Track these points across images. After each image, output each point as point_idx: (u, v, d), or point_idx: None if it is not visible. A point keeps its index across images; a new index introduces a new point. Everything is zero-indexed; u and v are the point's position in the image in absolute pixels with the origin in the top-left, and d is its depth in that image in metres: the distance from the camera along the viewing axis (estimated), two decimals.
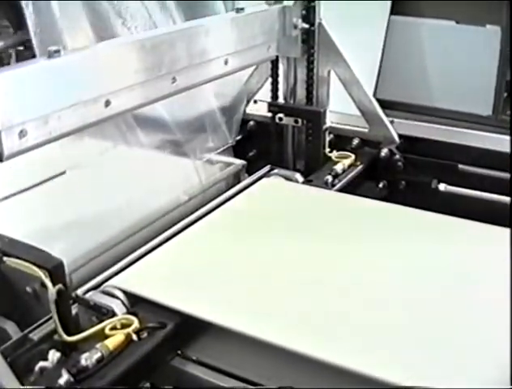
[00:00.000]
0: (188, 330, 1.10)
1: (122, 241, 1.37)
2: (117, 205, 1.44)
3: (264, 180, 1.60)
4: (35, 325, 1.11)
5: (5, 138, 1.03)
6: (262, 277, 1.20)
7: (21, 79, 1.06)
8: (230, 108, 1.78)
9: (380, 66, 3.23)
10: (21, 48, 2.60)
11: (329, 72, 1.77)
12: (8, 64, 3.49)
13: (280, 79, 1.80)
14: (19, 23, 2.18)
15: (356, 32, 2.90)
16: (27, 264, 1.06)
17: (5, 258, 1.09)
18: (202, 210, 1.44)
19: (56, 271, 1.03)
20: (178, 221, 1.41)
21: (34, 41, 1.30)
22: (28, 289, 1.12)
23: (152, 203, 1.47)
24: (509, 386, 0.93)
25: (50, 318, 1.09)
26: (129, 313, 1.12)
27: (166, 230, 1.37)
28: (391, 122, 1.74)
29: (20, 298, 1.15)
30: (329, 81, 1.78)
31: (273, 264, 1.24)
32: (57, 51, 1.09)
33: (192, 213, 1.43)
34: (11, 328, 1.14)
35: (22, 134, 1.05)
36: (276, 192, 1.54)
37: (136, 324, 1.06)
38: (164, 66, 1.30)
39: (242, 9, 1.52)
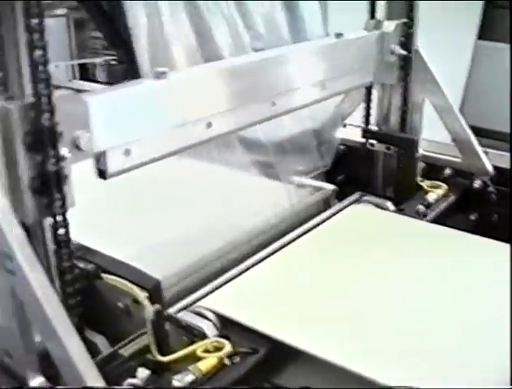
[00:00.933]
0: (279, 356, 1.09)
1: (213, 261, 1.37)
2: (208, 225, 1.44)
3: (355, 206, 1.59)
4: (125, 341, 1.11)
5: (110, 157, 1.05)
6: (353, 305, 1.18)
7: (128, 98, 1.08)
8: (322, 131, 1.77)
9: (465, 92, 3.17)
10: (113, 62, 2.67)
11: (423, 99, 1.74)
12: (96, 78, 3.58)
13: (373, 104, 1.78)
14: (114, 38, 2.22)
15: (441, 57, 2.84)
16: (125, 282, 1.07)
17: (103, 275, 1.10)
18: (293, 234, 1.43)
19: (155, 291, 1.04)
20: (268, 244, 1.40)
21: (139, 58, 1.31)
22: (120, 305, 1.14)
23: (243, 225, 1.46)
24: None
25: (140, 334, 1.10)
26: (221, 336, 1.11)
27: (257, 252, 1.36)
28: (485, 153, 1.70)
29: (111, 313, 1.16)
30: (422, 108, 1.75)
31: (364, 292, 1.22)
32: (164, 73, 1.10)
33: (282, 236, 1.42)
34: (101, 342, 1.15)
35: (127, 153, 1.07)
36: (367, 219, 1.52)
37: (228, 348, 1.06)
38: (263, 90, 1.30)
39: (341, 34, 1.51)
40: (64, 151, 0.94)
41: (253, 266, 1.32)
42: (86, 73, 4.28)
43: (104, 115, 1.02)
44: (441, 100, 1.71)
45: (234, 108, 1.24)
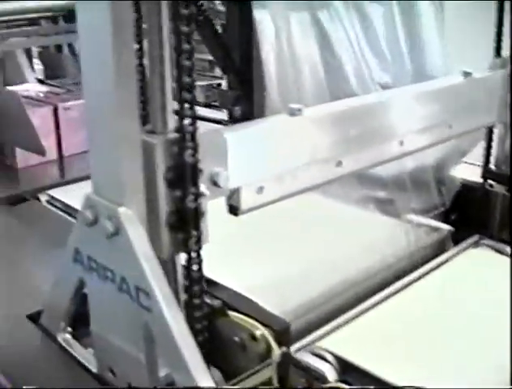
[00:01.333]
0: None
1: (329, 299, 1.34)
2: (325, 260, 1.42)
3: (473, 250, 1.54)
4: (242, 376, 1.09)
5: (244, 194, 1.04)
6: (476, 355, 1.13)
7: (264, 135, 1.07)
8: (441, 168, 1.73)
9: None
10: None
11: None
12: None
13: (494, 143, 1.72)
14: (227, 62, 2.24)
15: None
16: (252, 321, 1.06)
17: (229, 312, 1.09)
18: (411, 276, 1.39)
19: (283, 333, 1.02)
20: (385, 284, 1.37)
21: (269, 87, 1.30)
22: (236, 339, 1.12)
23: (360, 262, 1.43)
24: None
25: (257, 371, 1.08)
26: (341, 380, 1.08)
27: (374, 292, 1.33)
28: None
29: (225, 346, 1.14)
30: None
31: (487, 340, 1.17)
32: (299, 109, 1.09)
33: (399, 277, 1.39)
34: (216, 375, 1.14)
35: (260, 190, 1.06)
36: (486, 265, 1.47)
37: None
38: (392, 129, 1.28)
39: (469, 73, 1.47)
40: (203, 187, 0.93)
41: (371, 307, 1.29)
42: None
43: (241, 152, 1.01)
44: None
45: (364, 146, 1.21)
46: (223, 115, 2.26)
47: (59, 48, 2.87)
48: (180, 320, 0.90)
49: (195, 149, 0.90)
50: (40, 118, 2.06)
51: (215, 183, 0.96)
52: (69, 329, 1.16)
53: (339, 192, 1.54)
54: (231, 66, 2.22)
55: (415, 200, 1.65)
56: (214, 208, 1.00)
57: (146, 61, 0.97)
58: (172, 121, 0.93)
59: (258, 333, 1.06)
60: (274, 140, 1.07)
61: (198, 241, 0.94)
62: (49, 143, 2.08)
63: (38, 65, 2.97)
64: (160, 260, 0.94)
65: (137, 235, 0.90)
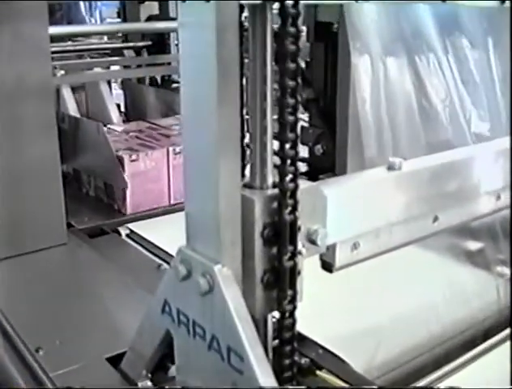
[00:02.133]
0: None
1: (416, 356, 1.29)
2: (410, 313, 1.37)
3: None
4: None
5: (339, 251, 1.01)
6: None
7: (362, 190, 1.04)
8: None
9: None
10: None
11: None
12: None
13: None
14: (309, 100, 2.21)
15: None
16: (340, 382, 1.01)
17: (318, 372, 1.05)
18: (501, 335, 1.33)
19: None
20: (472, 340, 1.31)
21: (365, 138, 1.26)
22: None
23: (447, 316, 1.38)
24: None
25: None
26: None
27: (461, 350, 1.27)
28: None
29: None
30: None
31: None
32: (399, 163, 1.05)
33: (486, 334, 1.33)
34: None
35: (354, 246, 1.02)
36: None
37: None
38: (489, 183, 1.22)
39: None
40: (300, 245, 0.90)
41: (458, 368, 1.23)
42: None
43: (339, 209, 0.97)
44: None
45: (460, 201, 1.17)
46: (304, 152, 2.23)
47: (141, 78, 2.89)
48: (272, 384, 0.86)
49: (295, 206, 0.87)
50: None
51: (312, 241, 0.93)
52: (149, 376, 1.14)
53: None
54: (314, 103, 2.19)
55: (505, 251, 1.58)
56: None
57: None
58: (271, 176, 0.90)
59: None
60: (372, 195, 1.04)
61: (293, 300, 0.90)
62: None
63: (116, 90, 3.00)
64: (255, 319, 0.91)
65: (232, 294, 0.87)
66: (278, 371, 0.93)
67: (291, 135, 0.85)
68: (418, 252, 1.48)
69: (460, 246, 1.57)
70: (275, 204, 0.87)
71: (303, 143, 2.26)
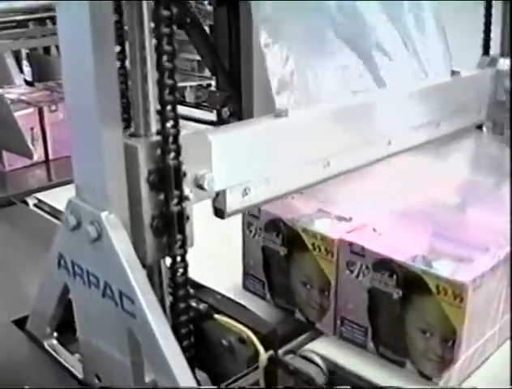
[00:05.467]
0: None
1: None
2: None
3: None
4: (230, 380, 1.08)
5: (229, 196, 1.03)
6: None
7: (249, 137, 1.06)
8: None
9: None
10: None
11: None
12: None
13: None
14: (216, 64, 2.23)
15: None
16: (238, 325, 1.05)
17: (215, 316, 1.08)
18: None
19: (270, 337, 1.01)
20: None
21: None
22: (224, 342, 1.12)
23: None
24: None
25: (245, 374, 1.08)
26: (330, 383, 1.08)
27: None
28: None
29: (214, 350, 1.14)
30: None
31: None
32: (286, 111, 1.08)
33: None
34: (204, 380, 1.13)
35: (245, 192, 1.05)
36: None
37: None
38: (380, 129, 1.27)
39: (458, 72, 1.47)
40: (187, 190, 0.92)
41: None
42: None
43: (225, 154, 1.00)
44: None
45: (351, 147, 1.21)
46: (213, 116, 2.25)
47: (47, 49, 2.86)
48: (164, 325, 0.88)
49: (178, 152, 0.89)
50: (25, 120, 2.03)
51: (199, 186, 0.95)
52: (55, 335, 1.15)
53: None
54: (219, 67, 2.21)
55: None
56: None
57: (128, 64, 0.95)
58: (154, 123, 0.91)
59: (245, 336, 1.05)
60: (259, 142, 1.06)
61: (183, 245, 0.93)
62: (35, 145, 2.07)
63: (27, 67, 2.96)
64: (145, 265, 0.93)
65: (120, 240, 0.89)
66: (175, 315, 0.96)
67: (170, 81, 0.87)
68: None
69: None
70: (159, 151, 0.89)
71: (211, 107, 2.28)
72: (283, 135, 1.09)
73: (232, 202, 1.04)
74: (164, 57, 0.86)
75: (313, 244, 1.13)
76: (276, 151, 1.09)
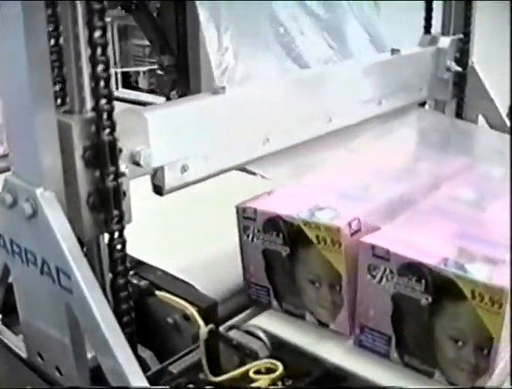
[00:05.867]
0: (333, 381, 1.06)
1: None
2: None
3: None
4: (174, 358, 1.09)
5: (167, 173, 1.04)
6: None
7: (186, 114, 1.07)
8: None
9: None
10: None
11: (477, 116, 1.71)
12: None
13: None
14: (164, 47, 2.23)
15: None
16: (179, 300, 1.06)
17: (157, 292, 1.09)
18: None
19: (210, 310, 1.02)
20: None
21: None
22: (169, 320, 1.12)
23: None
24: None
25: (189, 352, 1.08)
26: (272, 356, 1.09)
27: None
28: None
29: (159, 328, 1.14)
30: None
31: None
32: (223, 88, 1.09)
33: None
34: (149, 358, 1.13)
35: (183, 169, 1.06)
36: None
37: (281, 370, 1.04)
38: (320, 106, 1.28)
39: (398, 50, 1.49)
40: (123, 167, 0.92)
41: None
42: (128, 81, 4.31)
43: (162, 131, 1.01)
44: (495, 118, 1.68)
45: (291, 124, 1.22)
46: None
47: None
48: (102, 301, 0.89)
49: (113, 128, 0.89)
50: None
51: (135, 162, 0.95)
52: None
53: None
54: (167, 50, 2.22)
55: None
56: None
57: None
58: (89, 100, 0.92)
59: (188, 313, 1.06)
60: (197, 119, 1.07)
61: (120, 221, 0.93)
62: None
63: None
64: (84, 241, 0.93)
65: (55, 216, 0.89)
66: (114, 292, 0.97)
67: (101, 58, 0.87)
68: None
69: None
70: (94, 127, 0.89)
71: (160, 91, 2.29)
72: (221, 112, 1.10)
73: (171, 179, 1.04)
74: (96, 33, 0.86)
75: (317, 236, 1.05)
76: (214, 128, 1.10)
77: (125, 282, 0.97)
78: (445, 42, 1.64)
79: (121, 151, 0.92)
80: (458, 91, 1.69)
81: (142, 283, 1.11)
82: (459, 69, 1.66)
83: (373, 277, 1.01)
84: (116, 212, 0.92)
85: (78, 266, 0.88)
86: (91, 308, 0.87)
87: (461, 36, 1.66)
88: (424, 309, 0.96)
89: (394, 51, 1.49)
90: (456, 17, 1.67)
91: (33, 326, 1.02)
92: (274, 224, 1.11)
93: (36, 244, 0.93)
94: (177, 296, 1.09)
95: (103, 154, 0.89)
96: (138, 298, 1.09)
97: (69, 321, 0.94)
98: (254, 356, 1.09)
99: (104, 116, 0.89)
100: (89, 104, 0.92)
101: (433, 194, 1.22)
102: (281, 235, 1.10)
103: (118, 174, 0.91)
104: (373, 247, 1.00)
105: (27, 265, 0.96)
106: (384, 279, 0.99)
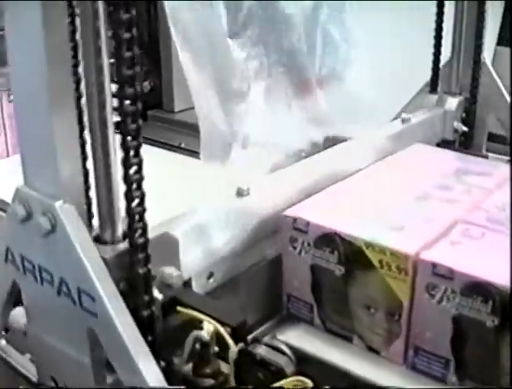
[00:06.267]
0: None
1: None
2: None
3: None
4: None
5: (194, 283, 1.00)
6: None
7: (212, 221, 1.05)
8: None
9: None
10: None
11: None
12: None
13: None
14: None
15: None
16: (207, 318, 0.97)
17: (179, 308, 1.00)
18: None
19: (239, 329, 0.95)
20: None
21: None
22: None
23: None
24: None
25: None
26: (301, 373, 1.02)
27: None
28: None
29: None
30: None
31: None
32: (247, 190, 1.09)
33: None
34: None
35: (210, 275, 1.04)
36: None
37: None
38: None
39: (409, 119, 1.48)
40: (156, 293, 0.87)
41: None
42: None
43: (191, 245, 0.98)
44: None
45: None
46: None
47: None
48: (129, 324, 0.81)
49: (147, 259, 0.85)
50: None
51: (167, 285, 0.92)
52: (3, 333, 1.07)
53: None
54: (139, 41, 2.18)
55: None
56: None
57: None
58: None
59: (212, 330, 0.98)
60: (223, 224, 1.05)
61: (144, 232, 0.85)
62: None
63: None
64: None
65: (77, 231, 0.81)
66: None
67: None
68: None
69: None
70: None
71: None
72: (244, 214, 1.08)
73: (197, 287, 1.01)
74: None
75: (380, 261, 0.98)
76: (240, 230, 1.08)
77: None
78: (452, 104, 1.61)
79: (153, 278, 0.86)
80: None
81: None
82: (466, 129, 1.63)
83: (432, 297, 0.94)
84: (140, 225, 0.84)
85: (104, 287, 0.80)
86: (120, 333, 0.79)
87: (467, 95, 1.63)
88: (489, 331, 0.90)
89: (404, 121, 1.47)
90: (463, 76, 1.64)
91: (46, 347, 0.94)
92: (329, 240, 1.03)
93: (53, 262, 0.84)
94: (201, 312, 1.00)
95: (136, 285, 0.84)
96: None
97: (90, 343, 0.86)
98: (280, 373, 1.02)
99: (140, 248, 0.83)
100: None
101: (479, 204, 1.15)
102: (336, 253, 1.02)
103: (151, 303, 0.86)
104: (434, 265, 0.93)
105: (41, 284, 0.88)
106: (445, 300, 0.93)
